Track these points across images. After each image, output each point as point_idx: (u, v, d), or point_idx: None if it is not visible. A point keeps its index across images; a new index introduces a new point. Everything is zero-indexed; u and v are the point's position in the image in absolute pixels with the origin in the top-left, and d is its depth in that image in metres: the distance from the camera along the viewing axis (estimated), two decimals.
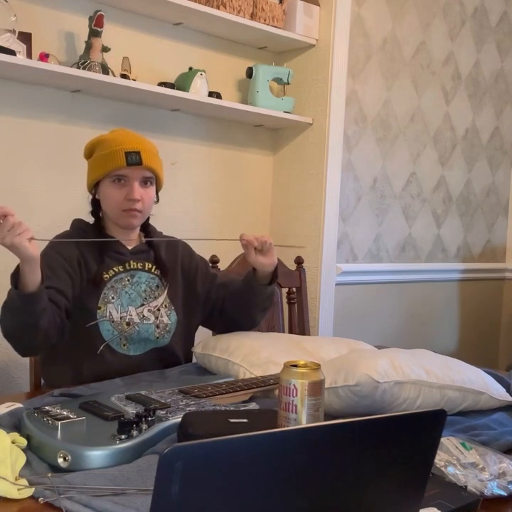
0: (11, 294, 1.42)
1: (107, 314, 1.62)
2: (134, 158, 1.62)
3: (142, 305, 1.67)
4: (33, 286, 1.40)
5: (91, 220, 1.74)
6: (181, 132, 2.60)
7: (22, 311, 1.41)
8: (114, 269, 1.67)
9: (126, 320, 1.64)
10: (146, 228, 1.78)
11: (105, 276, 1.65)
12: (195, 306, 1.79)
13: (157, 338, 1.68)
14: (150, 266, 1.72)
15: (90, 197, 1.73)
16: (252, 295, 1.74)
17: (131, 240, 1.72)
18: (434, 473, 0.96)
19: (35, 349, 1.57)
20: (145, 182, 1.67)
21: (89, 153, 1.70)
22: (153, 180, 1.70)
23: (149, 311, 1.68)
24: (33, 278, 1.40)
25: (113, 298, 1.64)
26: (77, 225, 1.73)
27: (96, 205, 1.72)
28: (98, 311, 1.62)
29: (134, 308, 1.66)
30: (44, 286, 1.43)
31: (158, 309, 1.70)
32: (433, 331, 3.44)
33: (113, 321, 1.62)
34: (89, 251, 1.66)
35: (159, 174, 1.70)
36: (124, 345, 1.64)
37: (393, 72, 3.07)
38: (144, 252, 1.73)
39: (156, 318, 1.69)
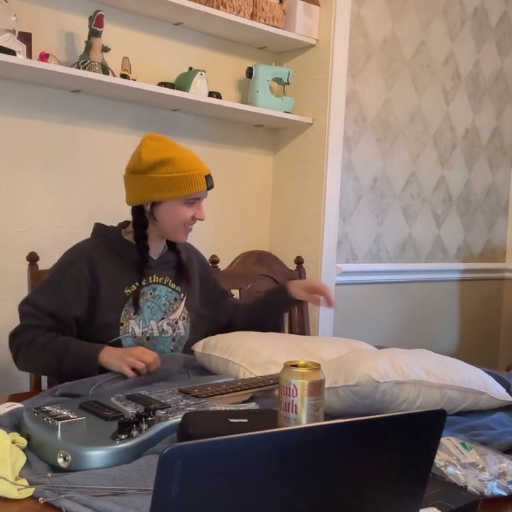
0: (81, 355, 1.50)
1: (130, 330, 1.62)
2: (211, 183, 1.68)
3: (162, 318, 1.69)
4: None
5: (106, 222, 1.75)
6: (181, 132, 2.60)
7: (78, 371, 1.50)
8: (137, 283, 1.66)
9: (147, 335, 1.66)
10: None
11: (127, 290, 1.65)
12: (205, 314, 1.82)
13: (171, 350, 1.70)
14: (169, 280, 1.73)
15: (133, 207, 1.71)
16: (273, 314, 1.88)
17: (158, 251, 1.75)
18: (434, 473, 0.96)
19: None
20: None
21: (148, 169, 1.64)
22: None
23: (168, 324, 1.70)
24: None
25: (134, 313, 1.64)
26: (102, 232, 1.73)
27: (141, 216, 1.70)
28: (121, 327, 1.62)
29: (155, 322, 1.67)
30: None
31: (176, 322, 1.72)
32: (433, 331, 3.44)
33: (135, 337, 1.63)
34: (116, 267, 1.66)
35: None
36: None
37: (393, 72, 3.07)
38: (168, 263, 1.75)
39: (174, 331, 1.71)
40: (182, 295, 1.75)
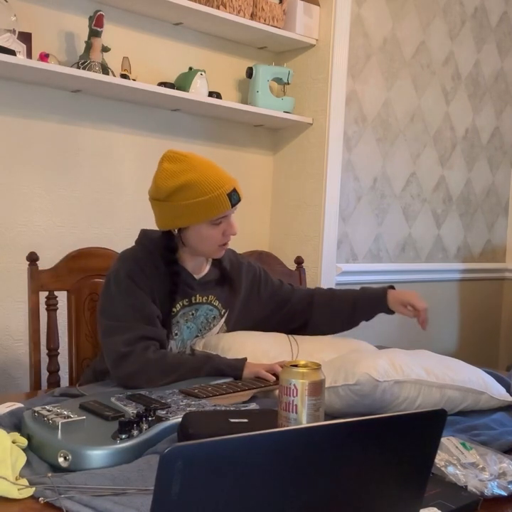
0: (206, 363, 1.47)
1: (169, 349, 1.58)
2: (235, 198, 1.56)
3: (196, 336, 1.64)
4: None
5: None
6: (181, 132, 2.60)
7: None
8: (180, 303, 1.61)
9: None
10: None
11: (172, 310, 1.60)
12: (247, 322, 1.74)
13: None
14: (213, 298, 1.67)
15: (163, 230, 1.63)
16: (362, 317, 1.78)
17: (200, 270, 1.67)
18: (434, 473, 0.96)
19: None
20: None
21: (167, 196, 1.55)
22: None
23: None
24: None
25: (176, 334, 1.60)
26: (147, 244, 1.62)
27: (171, 238, 1.62)
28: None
29: (190, 341, 1.63)
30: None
31: None
32: (433, 331, 3.44)
33: None
34: (161, 284, 1.58)
35: None
36: None
37: (393, 72, 3.07)
38: (211, 283, 1.67)
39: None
40: (223, 311, 1.68)
